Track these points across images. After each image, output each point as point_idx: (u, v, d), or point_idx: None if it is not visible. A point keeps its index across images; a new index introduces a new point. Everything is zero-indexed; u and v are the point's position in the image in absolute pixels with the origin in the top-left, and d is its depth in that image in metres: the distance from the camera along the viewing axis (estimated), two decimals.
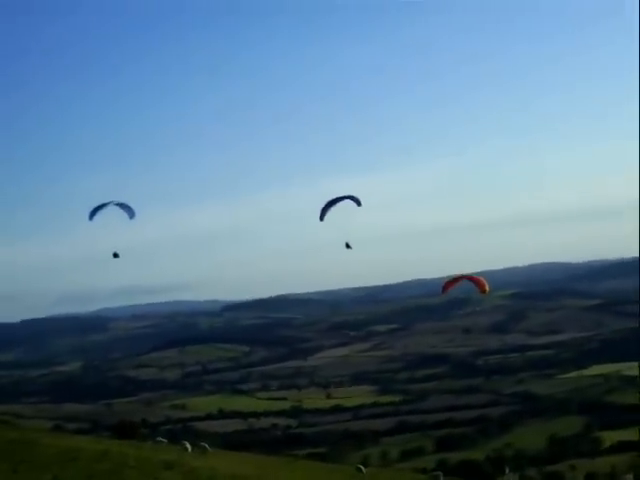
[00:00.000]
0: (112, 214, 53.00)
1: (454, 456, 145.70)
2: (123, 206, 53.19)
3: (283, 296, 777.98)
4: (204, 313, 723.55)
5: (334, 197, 56.24)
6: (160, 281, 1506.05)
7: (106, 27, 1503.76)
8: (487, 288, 60.04)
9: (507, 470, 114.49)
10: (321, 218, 55.98)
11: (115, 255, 53.97)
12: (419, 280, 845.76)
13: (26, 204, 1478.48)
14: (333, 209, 56.02)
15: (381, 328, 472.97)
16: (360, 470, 66.70)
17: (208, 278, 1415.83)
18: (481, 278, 60.74)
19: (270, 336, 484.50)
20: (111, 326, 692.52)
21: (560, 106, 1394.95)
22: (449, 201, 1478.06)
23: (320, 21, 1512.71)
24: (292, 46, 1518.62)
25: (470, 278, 61.18)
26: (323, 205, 56.33)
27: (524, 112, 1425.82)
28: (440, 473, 67.94)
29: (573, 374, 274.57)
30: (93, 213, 51.91)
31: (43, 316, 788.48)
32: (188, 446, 55.60)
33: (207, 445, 58.50)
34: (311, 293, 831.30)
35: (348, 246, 57.14)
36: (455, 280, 60.97)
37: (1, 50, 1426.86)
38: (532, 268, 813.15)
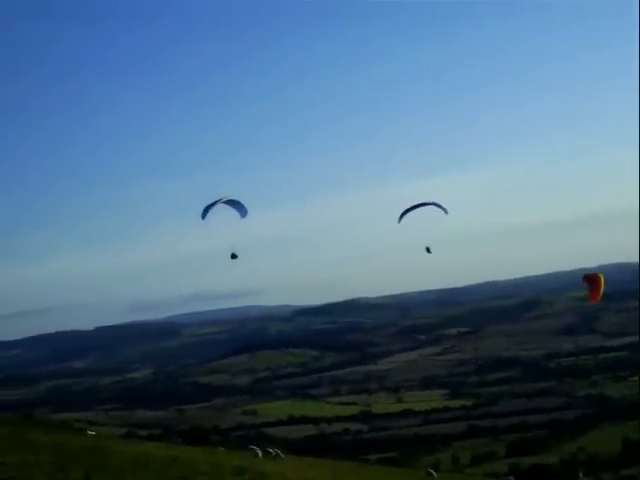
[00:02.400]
0: (221, 213, 50.00)
1: (526, 460, 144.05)
2: (234, 203, 50.55)
3: (353, 300, 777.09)
4: (275, 318, 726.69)
5: (419, 202, 55.95)
6: (232, 287, 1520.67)
7: (191, 31, 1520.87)
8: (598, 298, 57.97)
9: (581, 474, 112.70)
10: (399, 220, 55.90)
11: (233, 256, 50.69)
12: (489, 282, 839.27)
13: (99, 211, 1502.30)
14: (410, 213, 55.82)
15: (451, 331, 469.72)
16: (431, 474, 66.84)
17: (279, 283, 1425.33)
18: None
19: (340, 341, 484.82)
20: (183, 332, 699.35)
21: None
22: (519, 202, 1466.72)
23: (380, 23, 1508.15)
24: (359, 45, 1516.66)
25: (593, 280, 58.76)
26: (405, 208, 56.16)
27: (595, 113, 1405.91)
28: (512, 478, 67.62)
29: None
30: (205, 212, 49.23)
31: (116, 323, 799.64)
32: (259, 452, 56.03)
33: (279, 451, 58.89)
34: (381, 297, 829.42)
35: (428, 250, 57.11)
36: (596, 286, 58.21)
37: (87, 56, 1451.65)
38: (602, 269, 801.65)
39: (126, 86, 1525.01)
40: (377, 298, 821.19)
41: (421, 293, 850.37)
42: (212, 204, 49.58)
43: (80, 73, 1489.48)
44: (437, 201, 55.72)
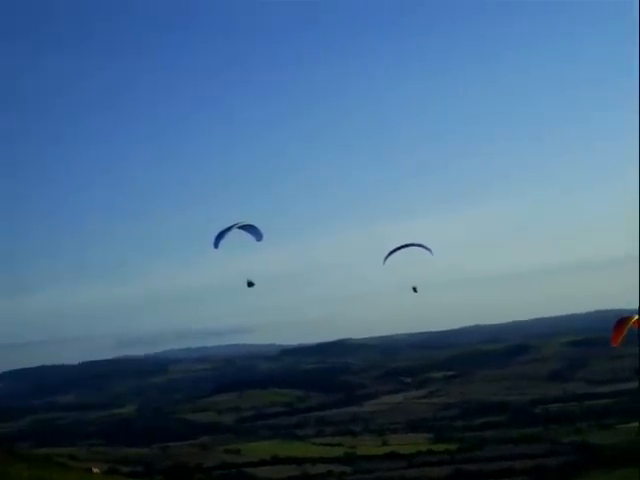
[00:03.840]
0: (234, 239, 49.64)
1: None
2: (249, 228, 50.49)
3: (341, 341, 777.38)
4: (263, 357, 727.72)
5: (404, 243, 56.22)
6: (220, 324, 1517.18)
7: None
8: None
9: None
10: (384, 261, 56.16)
11: (250, 284, 50.81)
12: (477, 326, 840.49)
13: (88, 244, 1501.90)
14: (396, 255, 56.10)
15: (437, 375, 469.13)
16: None
17: (267, 321, 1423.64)
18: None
19: (327, 381, 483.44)
20: (171, 369, 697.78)
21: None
22: (507, 247, 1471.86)
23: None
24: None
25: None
26: (390, 250, 56.42)
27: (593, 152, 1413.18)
28: None
29: (634, 424, 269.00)
30: (218, 239, 49.04)
31: (103, 358, 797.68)
32: None
33: None
34: (369, 338, 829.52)
35: (415, 290, 57.41)
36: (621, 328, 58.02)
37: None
38: (590, 315, 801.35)
39: (124, 121, 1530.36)
40: (364, 339, 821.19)
41: (409, 335, 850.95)
42: (227, 229, 49.35)
43: (65, 105, 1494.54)
44: (422, 242, 56.10)
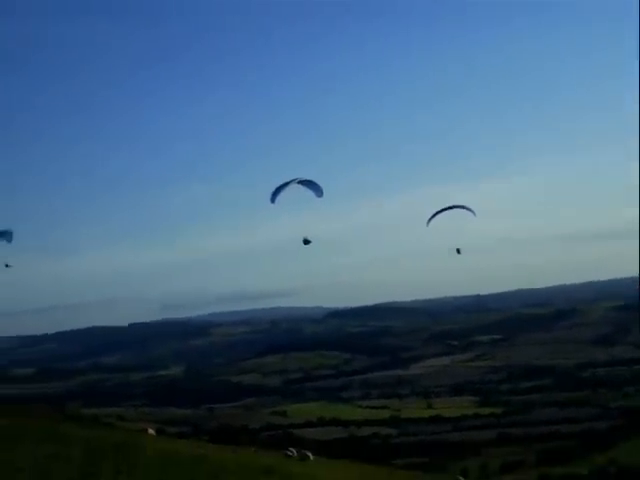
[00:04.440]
0: (294, 194, 48.37)
1: (556, 470, 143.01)
2: (309, 183, 49.25)
3: (386, 304, 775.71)
4: (308, 320, 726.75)
5: (447, 205, 55.92)
6: (264, 287, 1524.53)
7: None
8: None
9: None
10: (427, 223, 55.94)
11: (306, 242, 49.59)
12: (522, 290, 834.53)
13: (131, 208, 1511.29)
14: (440, 217, 55.85)
15: (483, 338, 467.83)
16: None
17: (312, 285, 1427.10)
18: None
19: (372, 344, 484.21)
20: (214, 332, 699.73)
21: None
22: (557, 210, 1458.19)
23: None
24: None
25: None
26: (433, 212, 56.13)
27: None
28: None
29: None
30: (275, 194, 47.96)
31: (150, 320, 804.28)
32: (293, 452, 55.66)
33: (309, 453, 58.51)
34: (414, 301, 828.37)
35: (459, 251, 57.21)
36: None
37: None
38: (635, 280, 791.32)
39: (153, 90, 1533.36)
40: (409, 302, 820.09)
41: (454, 299, 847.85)
42: (285, 184, 48.12)
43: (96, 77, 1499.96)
44: (466, 205, 55.67)
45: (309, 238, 49.20)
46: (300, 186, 49.10)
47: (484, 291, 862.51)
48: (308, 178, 49.29)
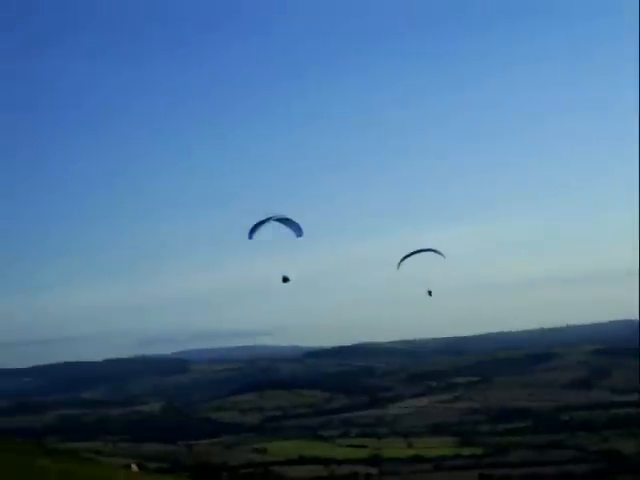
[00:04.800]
0: (271, 232, 48.18)
1: None
2: (287, 222, 48.95)
3: (364, 344, 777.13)
4: (285, 359, 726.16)
5: (417, 249, 57.46)
6: (241, 326, 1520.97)
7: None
8: None
9: None
10: (398, 267, 57.43)
11: (285, 280, 49.94)
12: (500, 333, 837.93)
13: (111, 244, 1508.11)
14: (414, 260, 57.31)
15: (461, 380, 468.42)
16: None
17: (289, 324, 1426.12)
18: None
19: (351, 384, 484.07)
20: (192, 368, 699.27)
21: None
22: (534, 254, 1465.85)
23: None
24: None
25: None
26: (403, 255, 57.62)
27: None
28: None
29: None
30: (253, 230, 47.88)
31: (126, 356, 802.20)
32: None
33: None
34: (392, 342, 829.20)
35: (430, 294, 58.81)
36: None
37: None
38: (613, 325, 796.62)
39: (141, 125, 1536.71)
40: (387, 343, 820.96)
41: (432, 340, 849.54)
42: (262, 221, 48.04)
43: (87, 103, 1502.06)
44: (435, 248, 57.19)
45: (288, 276, 49.61)
46: (279, 224, 48.99)
47: (462, 333, 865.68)
48: (286, 216, 49.12)
